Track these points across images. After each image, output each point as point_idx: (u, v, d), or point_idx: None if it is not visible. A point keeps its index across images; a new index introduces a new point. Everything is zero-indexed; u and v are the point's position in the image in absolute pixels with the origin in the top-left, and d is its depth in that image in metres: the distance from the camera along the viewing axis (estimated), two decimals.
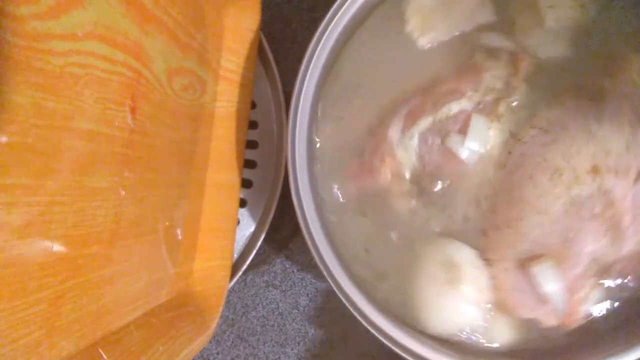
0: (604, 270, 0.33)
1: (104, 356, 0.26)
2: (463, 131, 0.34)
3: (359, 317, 0.32)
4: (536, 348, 0.34)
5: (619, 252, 0.32)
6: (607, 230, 0.32)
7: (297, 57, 0.33)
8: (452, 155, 0.34)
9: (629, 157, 0.32)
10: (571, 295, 0.32)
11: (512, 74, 0.34)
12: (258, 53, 0.43)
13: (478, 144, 0.34)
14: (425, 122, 0.34)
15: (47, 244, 0.22)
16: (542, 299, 0.32)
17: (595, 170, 0.32)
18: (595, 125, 0.32)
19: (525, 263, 0.33)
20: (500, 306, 0.33)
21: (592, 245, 0.32)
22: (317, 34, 0.33)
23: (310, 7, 0.49)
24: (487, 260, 0.34)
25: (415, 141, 0.34)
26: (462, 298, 0.32)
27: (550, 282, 0.32)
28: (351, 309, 0.32)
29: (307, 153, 0.33)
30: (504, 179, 0.34)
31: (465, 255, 0.33)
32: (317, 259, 0.32)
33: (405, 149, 0.34)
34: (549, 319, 0.33)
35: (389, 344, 0.31)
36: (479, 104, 0.34)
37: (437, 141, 0.34)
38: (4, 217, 0.19)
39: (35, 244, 0.21)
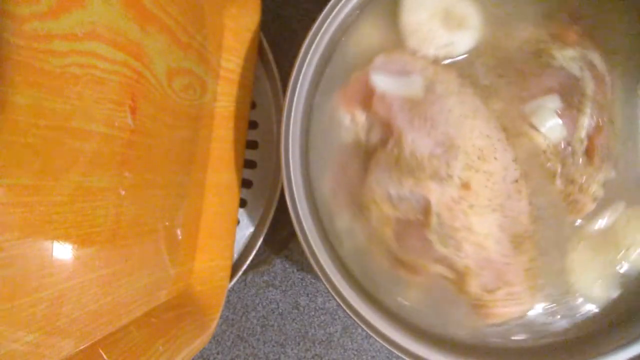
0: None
1: (104, 356, 0.26)
2: (550, 90, 0.33)
3: (355, 319, 0.32)
4: (535, 346, 0.34)
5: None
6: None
7: None
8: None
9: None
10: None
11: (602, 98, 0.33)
12: (258, 53, 0.43)
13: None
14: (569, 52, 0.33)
15: (47, 244, 0.22)
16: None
17: (465, 186, 0.32)
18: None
19: None
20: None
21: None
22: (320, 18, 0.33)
23: (311, 8, 0.49)
24: None
25: None
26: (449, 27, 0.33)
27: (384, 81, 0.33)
28: (345, 308, 0.32)
29: (300, 150, 0.33)
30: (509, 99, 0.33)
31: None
32: (312, 262, 0.32)
33: None
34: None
35: (387, 345, 0.31)
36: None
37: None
38: (4, 217, 0.19)
39: (35, 244, 0.21)
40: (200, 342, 0.36)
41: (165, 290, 0.34)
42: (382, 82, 0.33)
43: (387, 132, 0.33)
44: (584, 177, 0.33)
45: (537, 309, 0.33)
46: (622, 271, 0.33)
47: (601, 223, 0.33)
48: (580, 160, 0.33)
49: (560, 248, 0.33)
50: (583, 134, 0.32)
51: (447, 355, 0.32)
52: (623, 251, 0.33)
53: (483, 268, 0.32)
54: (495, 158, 0.32)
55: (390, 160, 0.32)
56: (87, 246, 0.24)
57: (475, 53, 0.34)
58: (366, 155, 0.34)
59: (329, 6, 0.33)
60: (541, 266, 0.33)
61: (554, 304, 0.33)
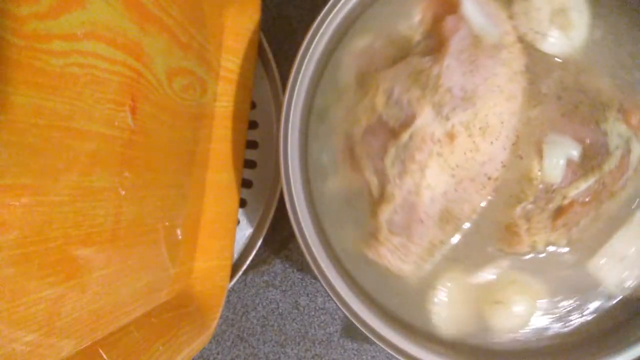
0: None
1: (104, 356, 0.26)
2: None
3: (355, 322, 0.32)
4: (533, 349, 0.34)
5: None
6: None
7: None
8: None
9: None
10: None
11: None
12: (258, 53, 0.43)
13: None
14: None
15: (47, 244, 0.22)
16: None
17: (450, 136, 0.31)
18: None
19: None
20: None
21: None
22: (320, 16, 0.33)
23: (311, 7, 0.49)
24: None
25: None
26: None
27: None
28: (345, 310, 0.32)
29: (300, 150, 0.34)
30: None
31: None
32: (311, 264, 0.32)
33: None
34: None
35: (385, 347, 0.32)
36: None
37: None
38: (4, 217, 0.19)
39: (34, 244, 0.21)
40: (200, 342, 0.37)
41: (165, 290, 0.34)
42: (469, 7, 0.33)
43: (436, 48, 0.33)
44: (539, 225, 0.33)
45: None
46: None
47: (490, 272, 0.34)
48: (549, 210, 0.32)
49: (465, 262, 0.34)
50: (570, 194, 0.32)
51: (442, 356, 0.32)
52: (490, 305, 0.33)
53: (403, 208, 0.32)
54: (492, 143, 0.32)
55: (417, 68, 0.32)
56: (87, 246, 0.24)
57: (557, 63, 0.34)
58: (403, 53, 0.34)
59: (329, 4, 0.33)
60: (440, 257, 0.34)
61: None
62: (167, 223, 0.33)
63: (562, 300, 0.34)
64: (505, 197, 0.33)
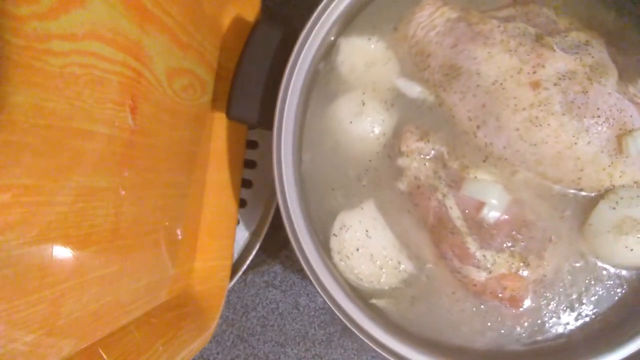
0: None
1: (104, 356, 0.26)
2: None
3: (351, 326, 0.32)
4: (529, 350, 0.34)
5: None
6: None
7: None
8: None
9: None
10: None
11: None
12: None
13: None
14: None
15: (47, 244, 0.22)
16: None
17: (536, 84, 0.33)
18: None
19: None
20: None
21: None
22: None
23: (310, 7, 0.49)
24: None
25: None
26: None
27: None
28: (328, 301, 0.32)
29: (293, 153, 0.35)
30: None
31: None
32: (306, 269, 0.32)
33: None
34: None
35: (379, 349, 0.33)
36: None
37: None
38: (4, 217, 0.19)
39: (35, 244, 0.21)
40: (200, 342, 0.37)
41: (165, 290, 0.34)
42: None
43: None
44: (425, 164, 0.35)
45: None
46: None
47: None
48: (438, 178, 0.34)
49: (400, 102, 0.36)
50: (447, 200, 0.34)
51: (432, 356, 0.32)
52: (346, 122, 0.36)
53: (458, 23, 0.35)
54: (516, 129, 0.33)
55: (601, 61, 0.34)
56: (87, 246, 0.24)
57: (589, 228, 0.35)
58: None
59: (322, 5, 0.33)
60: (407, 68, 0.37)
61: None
62: (167, 223, 0.33)
63: None
64: (463, 138, 0.35)
